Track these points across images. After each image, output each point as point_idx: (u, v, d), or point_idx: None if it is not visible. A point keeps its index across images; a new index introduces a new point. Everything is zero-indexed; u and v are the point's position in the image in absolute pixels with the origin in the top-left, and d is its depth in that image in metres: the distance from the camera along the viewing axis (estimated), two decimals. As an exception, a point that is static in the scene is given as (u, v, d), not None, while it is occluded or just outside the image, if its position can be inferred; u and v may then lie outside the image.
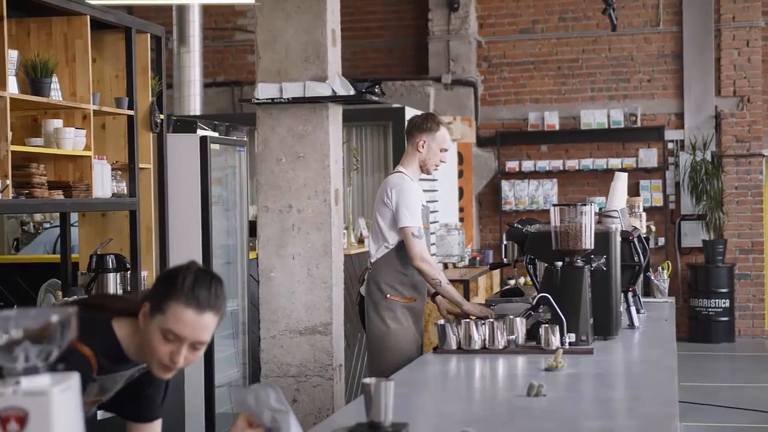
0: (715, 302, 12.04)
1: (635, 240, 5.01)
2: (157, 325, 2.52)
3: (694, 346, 11.79)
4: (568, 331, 4.20)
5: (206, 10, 12.36)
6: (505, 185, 12.73)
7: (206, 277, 2.55)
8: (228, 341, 6.74)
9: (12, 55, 4.74)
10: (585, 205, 4.40)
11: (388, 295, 5.07)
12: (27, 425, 1.76)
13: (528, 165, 12.69)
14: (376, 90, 5.64)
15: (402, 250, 5.08)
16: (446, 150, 5.23)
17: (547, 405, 3.17)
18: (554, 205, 4.44)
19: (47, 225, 8.29)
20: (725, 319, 12.06)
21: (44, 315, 1.84)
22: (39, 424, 1.77)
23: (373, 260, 5.17)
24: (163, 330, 2.51)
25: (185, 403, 5.95)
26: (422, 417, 3.10)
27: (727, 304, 12.05)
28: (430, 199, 9.91)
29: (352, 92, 5.43)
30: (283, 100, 5.41)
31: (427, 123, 5.20)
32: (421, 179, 8.97)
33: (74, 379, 1.85)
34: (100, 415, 4.68)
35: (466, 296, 8.75)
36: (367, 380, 2.66)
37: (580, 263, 4.35)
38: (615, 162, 12.38)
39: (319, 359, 5.45)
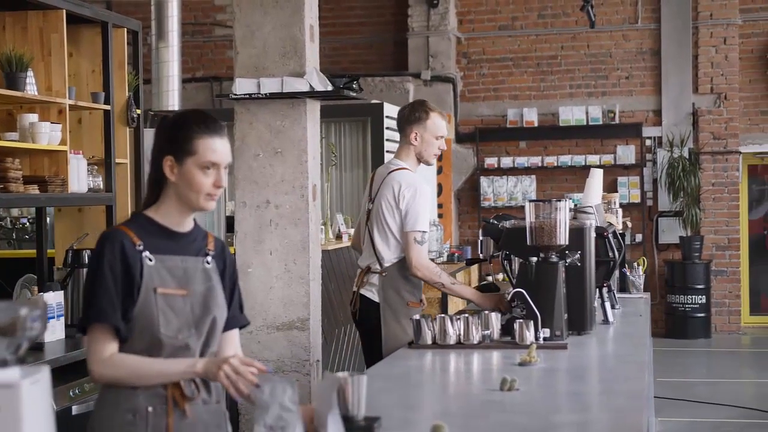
0: (692, 298, 12.11)
1: (610, 236, 5.02)
2: (192, 166, 2.85)
3: (670, 341, 11.86)
4: (543, 327, 4.22)
5: (185, 5, 12.30)
6: (484, 182, 12.76)
7: (201, 113, 2.95)
8: (205, 336, 6.72)
9: (-14, 50, 4.72)
10: (560, 200, 4.42)
11: (409, 303, 4.92)
12: (-4, 418, 1.77)
13: (507, 161, 12.73)
14: (354, 86, 5.63)
15: None
16: (442, 137, 5.01)
17: (519, 399, 3.20)
18: (530, 201, 4.45)
19: (24, 221, 8.23)
20: (701, 315, 12.14)
21: (12, 309, 1.85)
22: (9, 417, 1.77)
23: (386, 264, 4.91)
24: (201, 165, 2.85)
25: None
26: (395, 411, 3.11)
27: (704, 300, 12.13)
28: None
29: (329, 88, 5.42)
30: (260, 96, 5.40)
31: (415, 113, 4.97)
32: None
33: (44, 372, 1.86)
34: (75, 410, 4.69)
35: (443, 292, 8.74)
36: (340, 374, 2.67)
37: (554, 259, 4.37)
38: (593, 158, 12.44)
39: (296, 355, 5.46)
